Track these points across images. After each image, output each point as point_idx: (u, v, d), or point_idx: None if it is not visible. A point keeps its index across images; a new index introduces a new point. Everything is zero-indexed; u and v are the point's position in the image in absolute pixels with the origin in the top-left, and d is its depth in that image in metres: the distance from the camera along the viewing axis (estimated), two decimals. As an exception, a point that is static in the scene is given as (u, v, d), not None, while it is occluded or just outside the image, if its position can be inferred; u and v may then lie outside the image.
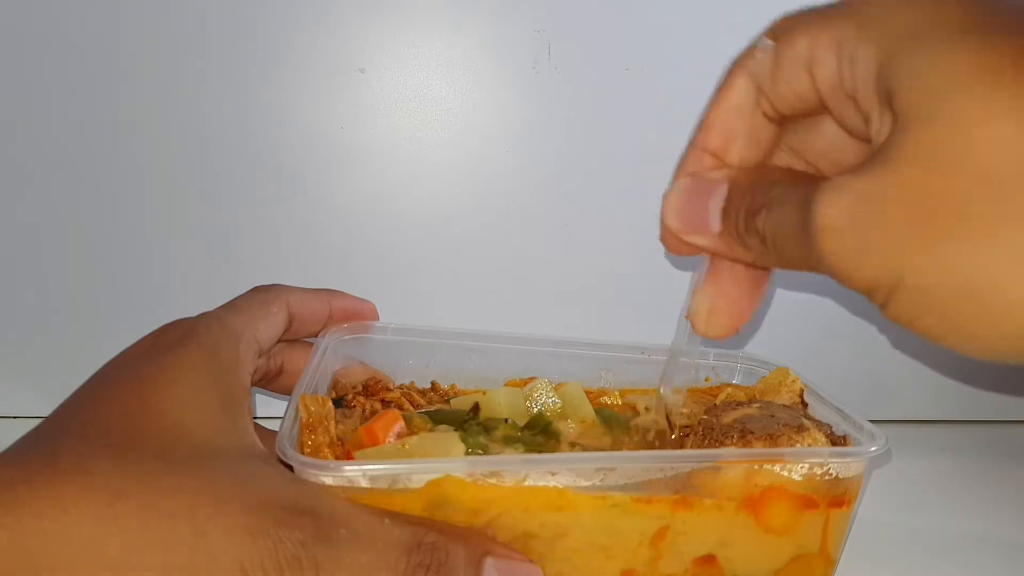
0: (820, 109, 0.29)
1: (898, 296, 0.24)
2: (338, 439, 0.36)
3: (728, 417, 0.39)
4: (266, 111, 0.52)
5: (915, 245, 0.23)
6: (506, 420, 0.39)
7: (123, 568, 0.26)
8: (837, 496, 0.36)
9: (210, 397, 0.32)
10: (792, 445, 0.36)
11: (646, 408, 0.44)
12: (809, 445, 0.36)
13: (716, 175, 0.31)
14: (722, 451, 0.36)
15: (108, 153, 0.51)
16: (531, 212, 0.54)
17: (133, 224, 0.53)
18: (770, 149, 0.32)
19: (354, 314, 0.43)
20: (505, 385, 0.45)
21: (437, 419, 0.40)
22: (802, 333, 0.57)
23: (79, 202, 0.52)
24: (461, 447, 0.35)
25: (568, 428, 0.40)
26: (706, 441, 0.37)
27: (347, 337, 0.43)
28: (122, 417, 0.30)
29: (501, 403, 0.41)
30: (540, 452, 0.38)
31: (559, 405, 0.42)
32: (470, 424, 0.38)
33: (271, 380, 0.42)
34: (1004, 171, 0.22)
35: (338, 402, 0.41)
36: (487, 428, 0.38)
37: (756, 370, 0.47)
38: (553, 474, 0.33)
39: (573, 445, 0.39)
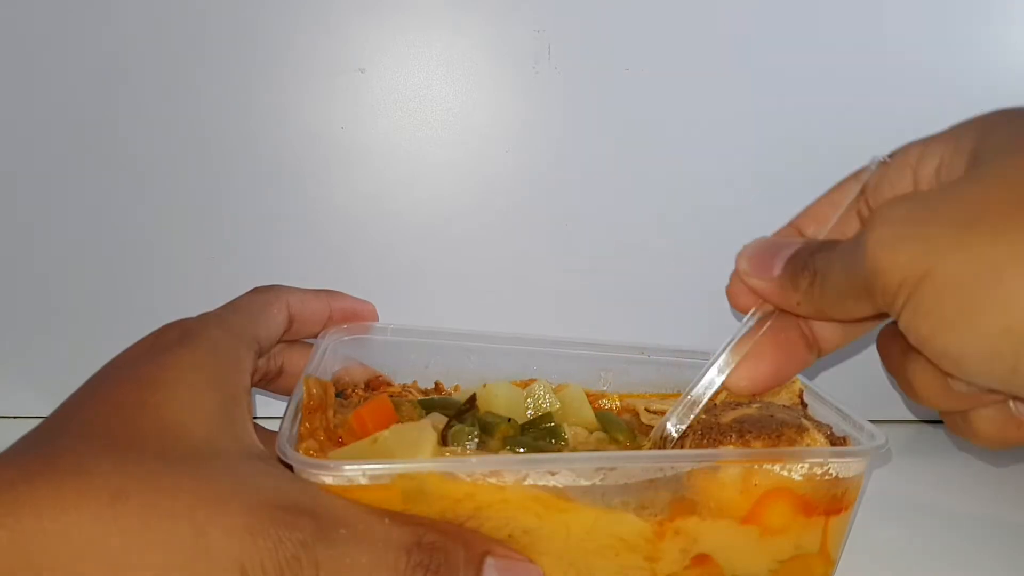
0: None
1: (923, 288, 0.25)
2: (333, 427, 0.36)
3: (727, 417, 0.39)
4: (266, 111, 0.52)
5: (952, 241, 0.25)
6: (508, 420, 0.39)
7: (123, 568, 0.26)
8: (837, 496, 0.36)
9: (210, 397, 0.32)
10: (792, 445, 0.36)
11: (646, 408, 0.44)
12: (808, 445, 0.36)
13: (795, 239, 0.33)
14: (721, 451, 0.36)
15: (108, 153, 0.51)
16: (531, 212, 0.54)
17: (133, 224, 0.53)
18: None
19: (354, 315, 0.43)
20: (505, 386, 0.45)
21: (429, 407, 0.39)
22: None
23: (79, 202, 0.52)
24: (433, 439, 0.34)
25: (570, 432, 0.40)
26: (705, 441, 0.37)
27: (347, 338, 0.43)
28: (122, 417, 0.30)
29: (499, 395, 0.41)
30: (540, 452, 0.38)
31: (559, 407, 0.42)
32: (465, 416, 0.38)
33: (271, 381, 0.42)
34: None
35: (339, 395, 0.41)
36: (484, 425, 0.38)
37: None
38: (553, 474, 0.33)
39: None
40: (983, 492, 0.50)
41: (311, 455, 0.33)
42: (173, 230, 0.53)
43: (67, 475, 0.27)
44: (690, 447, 0.37)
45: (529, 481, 0.33)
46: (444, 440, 0.36)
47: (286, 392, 0.42)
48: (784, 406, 0.42)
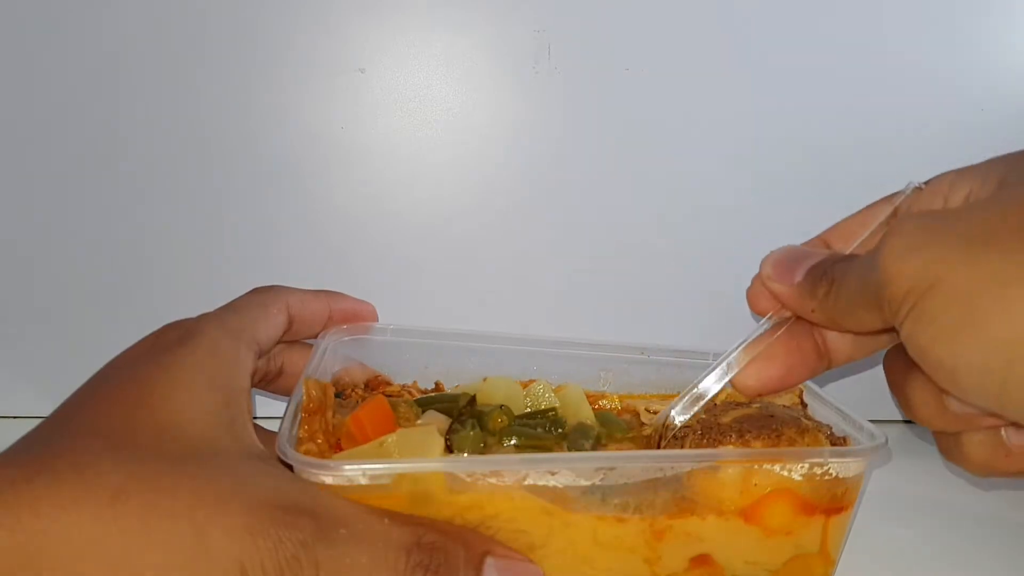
0: None
1: (929, 296, 0.25)
2: (332, 428, 0.36)
3: (727, 417, 0.39)
4: (266, 111, 0.52)
5: (963, 254, 0.25)
6: (500, 407, 0.39)
7: (123, 567, 0.26)
8: (837, 496, 0.36)
9: (210, 398, 0.32)
10: (792, 445, 0.36)
11: (646, 409, 0.44)
12: (808, 445, 0.36)
13: (821, 251, 0.34)
14: (721, 451, 0.36)
15: (108, 153, 0.51)
16: (531, 212, 0.54)
17: (133, 224, 0.53)
18: None
19: (354, 315, 0.43)
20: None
21: (426, 405, 0.39)
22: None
23: (79, 202, 0.52)
24: (440, 444, 0.34)
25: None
26: (705, 441, 0.37)
27: (347, 338, 0.43)
28: (122, 417, 0.30)
29: (499, 389, 0.41)
30: (539, 443, 0.38)
31: (558, 407, 0.42)
32: (465, 418, 0.38)
33: (271, 381, 0.42)
34: None
35: (339, 395, 0.41)
36: (480, 418, 0.38)
37: (756, 370, 0.47)
38: (553, 474, 0.33)
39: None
40: (983, 492, 0.50)
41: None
42: (173, 230, 0.53)
43: (67, 475, 0.27)
44: (690, 447, 0.37)
45: (529, 481, 0.33)
46: (449, 448, 0.36)
47: (286, 392, 0.42)
48: (784, 406, 0.42)
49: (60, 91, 0.50)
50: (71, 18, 0.49)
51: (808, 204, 0.55)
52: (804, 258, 0.33)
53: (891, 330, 0.32)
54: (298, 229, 0.54)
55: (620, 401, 0.46)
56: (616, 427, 0.41)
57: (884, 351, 0.35)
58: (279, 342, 0.40)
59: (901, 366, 0.31)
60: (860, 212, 0.36)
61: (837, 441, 0.38)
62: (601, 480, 0.33)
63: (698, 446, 0.37)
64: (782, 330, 0.35)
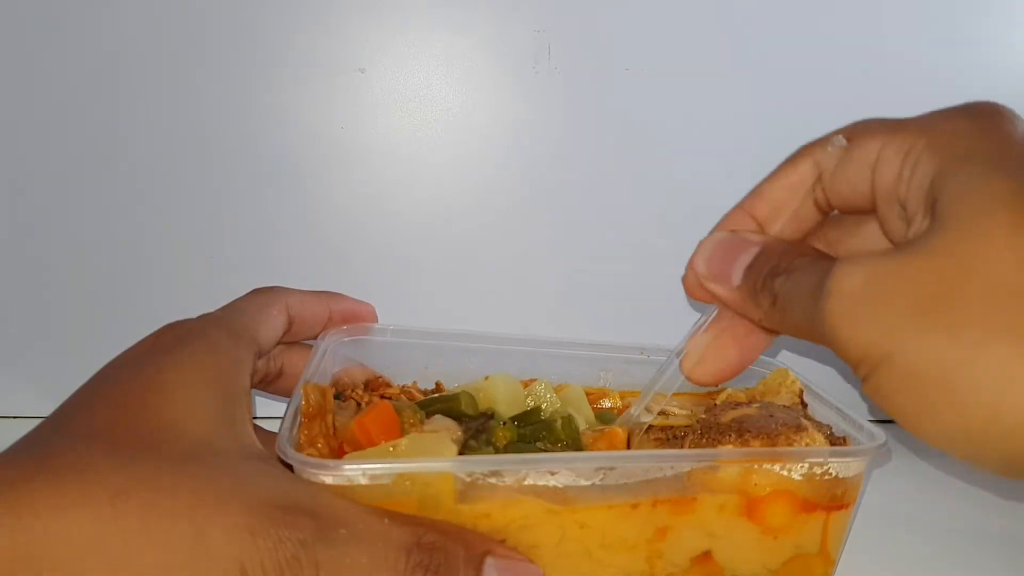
0: (867, 210, 0.32)
1: (882, 371, 0.25)
2: (333, 432, 0.36)
3: (727, 417, 0.39)
4: (266, 111, 0.52)
5: (911, 327, 0.24)
6: (503, 423, 0.39)
7: (123, 567, 0.26)
8: (837, 496, 0.36)
9: (210, 398, 0.32)
10: (791, 445, 0.36)
11: (646, 409, 0.44)
12: (808, 445, 0.36)
13: (753, 237, 0.32)
14: (721, 451, 0.36)
15: (108, 153, 0.51)
16: (531, 212, 0.54)
17: (133, 225, 0.53)
18: (808, 234, 0.34)
19: (353, 316, 0.43)
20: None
21: (427, 406, 0.39)
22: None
23: (79, 202, 0.52)
24: (453, 451, 0.34)
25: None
26: (704, 440, 0.37)
27: (346, 339, 0.43)
28: (122, 417, 0.30)
29: (499, 389, 0.41)
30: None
31: (559, 406, 0.42)
32: (478, 432, 0.38)
33: (271, 382, 0.42)
34: (1014, 284, 0.24)
35: (338, 396, 0.41)
36: (489, 438, 0.38)
37: (756, 371, 0.47)
38: (553, 474, 0.33)
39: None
40: (982, 491, 0.50)
41: None
42: (173, 230, 0.53)
43: (67, 475, 0.27)
44: (690, 447, 0.37)
45: (529, 481, 0.33)
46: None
47: (286, 393, 0.42)
48: (784, 406, 0.42)
49: (60, 91, 0.50)
50: (71, 18, 0.49)
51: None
52: (737, 252, 0.32)
53: None
54: (298, 229, 0.54)
55: (621, 399, 0.46)
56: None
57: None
58: (279, 343, 0.40)
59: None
60: (780, 172, 0.35)
61: (837, 441, 0.38)
62: (601, 480, 0.33)
63: (698, 446, 0.37)
64: (723, 313, 0.34)
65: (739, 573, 0.36)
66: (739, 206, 0.35)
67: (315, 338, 0.42)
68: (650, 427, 0.43)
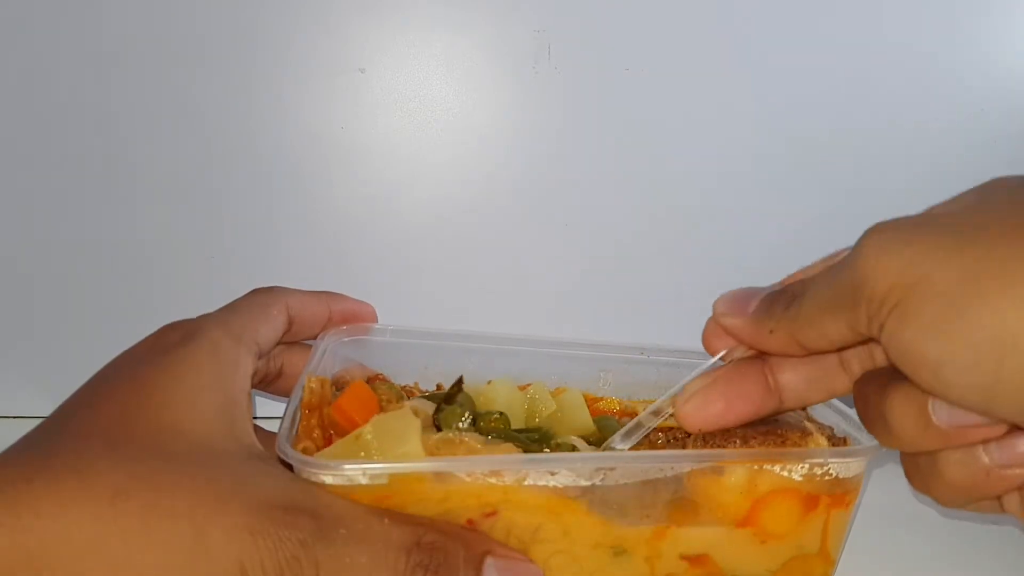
0: None
1: (913, 295, 0.25)
2: (328, 423, 0.36)
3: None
4: (266, 111, 0.52)
5: (951, 250, 0.25)
6: (500, 413, 0.39)
7: (123, 567, 0.26)
8: (837, 496, 0.36)
9: (210, 398, 0.32)
10: (796, 446, 0.36)
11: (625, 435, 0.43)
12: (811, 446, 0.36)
13: (775, 285, 0.33)
14: (723, 451, 0.36)
15: (108, 154, 0.51)
16: (531, 212, 0.54)
17: (133, 225, 0.53)
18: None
19: (353, 316, 0.43)
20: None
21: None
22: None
23: (79, 202, 0.52)
24: (418, 427, 0.34)
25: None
26: (707, 444, 0.37)
27: (346, 339, 0.43)
28: (122, 417, 0.30)
29: (499, 394, 0.41)
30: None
31: (555, 409, 0.42)
32: (454, 399, 0.37)
33: (271, 382, 0.42)
34: None
35: (338, 392, 0.41)
36: (475, 417, 0.38)
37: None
38: (553, 474, 0.33)
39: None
40: (983, 492, 0.50)
41: (309, 455, 0.33)
42: (173, 230, 0.53)
43: (67, 474, 0.27)
44: (692, 448, 0.37)
45: (529, 481, 0.33)
46: (436, 425, 0.36)
47: (285, 393, 0.42)
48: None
49: (60, 91, 0.50)
50: (71, 18, 0.49)
51: (808, 204, 0.55)
52: (758, 292, 0.33)
53: (852, 346, 0.31)
54: (298, 229, 0.54)
55: (619, 404, 0.46)
56: (613, 432, 0.40)
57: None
58: (279, 343, 0.40)
59: (876, 387, 0.30)
60: (824, 260, 0.35)
61: (837, 442, 0.38)
62: (601, 480, 0.33)
63: (700, 447, 0.37)
64: (728, 365, 0.35)
65: (739, 574, 0.36)
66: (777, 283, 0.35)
67: (315, 338, 0.42)
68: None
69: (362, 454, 0.32)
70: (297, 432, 0.34)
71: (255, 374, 0.37)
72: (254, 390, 0.38)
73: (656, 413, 0.36)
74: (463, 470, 0.32)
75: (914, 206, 0.30)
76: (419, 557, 0.30)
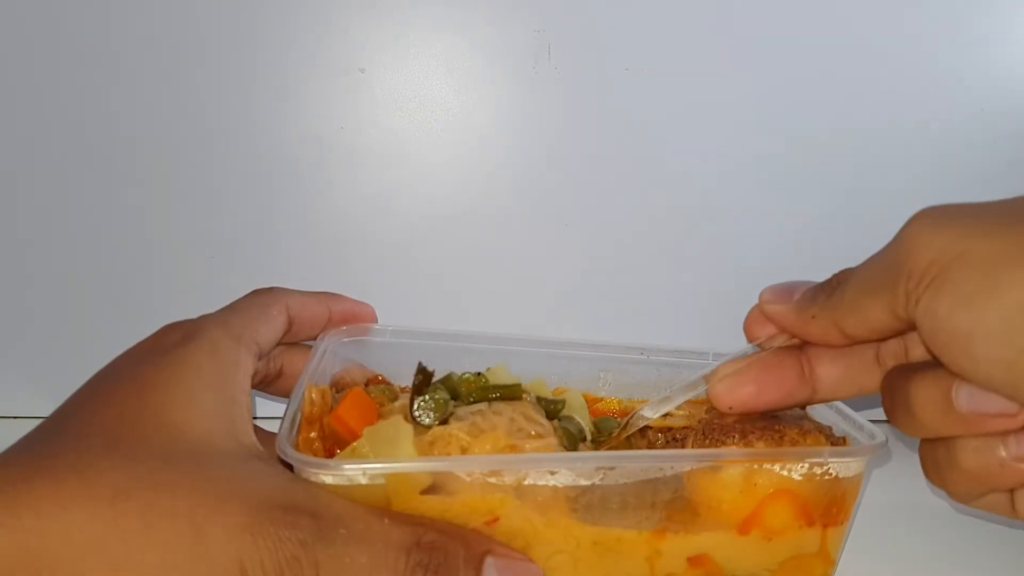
0: None
1: (952, 267, 0.26)
2: (329, 433, 0.36)
3: (729, 417, 0.39)
4: (266, 112, 0.52)
5: (990, 228, 0.26)
6: (477, 373, 0.38)
7: (123, 567, 0.26)
8: (837, 496, 0.36)
9: (210, 398, 0.32)
10: (795, 446, 0.36)
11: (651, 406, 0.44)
12: (809, 446, 0.36)
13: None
14: (722, 451, 0.36)
15: (108, 154, 0.51)
16: (531, 212, 0.54)
17: (134, 225, 0.53)
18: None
19: (353, 317, 0.43)
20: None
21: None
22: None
23: (80, 203, 0.52)
24: (410, 432, 0.34)
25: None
26: (707, 441, 0.37)
27: (346, 339, 0.43)
28: (122, 417, 0.30)
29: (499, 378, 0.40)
30: (508, 394, 0.38)
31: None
32: (424, 389, 0.37)
33: (271, 382, 0.42)
34: None
35: (338, 394, 0.41)
36: (452, 387, 0.37)
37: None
38: (553, 473, 0.33)
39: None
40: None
41: None
42: (173, 230, 0.53)
43: (67, 474, 0.27)
44: (692, 447, 0.37)
45: (529, 481, 0.33)
46: (414, 420, 0.36)
47: (285, 394, 0.42)
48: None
49: (61, 91, 0.50)
50: (71, 18, 0.49)
51: (807, 204, 0.55)
52: (804, 284, 0.34)
53: (893, 335, 0.31)
54: (298, 229, 0.54)
55: (619, 404, 0.46)
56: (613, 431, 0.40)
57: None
58: (279, 343, 0.40)
59: (904, 375, 0.30)
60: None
61: (837, 441, 0.38)
62: (601, 480, 0.33)
63: (700, 446, 0.37)
64: (767, 350, 0.35)
65: (738, 574, 0.36)
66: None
67: (315, 339, 0.42)
68: (649, 428, 0.43)
69: None
70: (298, 444, 0.34)
71: (255, 374, 0.37)
72: (254, 390, 0.38)
73: (689, 388, 0.37)
74: (463, 470, 0.32)
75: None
76: (419, 557, 0.30)
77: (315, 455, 0.34)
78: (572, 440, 0.38)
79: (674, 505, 0.34)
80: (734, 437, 0.36)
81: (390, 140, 0.53)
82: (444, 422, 0.35)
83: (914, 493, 0.50)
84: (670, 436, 0.42)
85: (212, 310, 0.38)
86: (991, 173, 0.56)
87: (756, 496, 0.34)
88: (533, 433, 0.35)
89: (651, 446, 0.42)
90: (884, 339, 0.33)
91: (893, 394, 0.31)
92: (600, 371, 0.47)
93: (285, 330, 0.40)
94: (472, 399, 0.37)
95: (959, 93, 0.54)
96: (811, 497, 0.35)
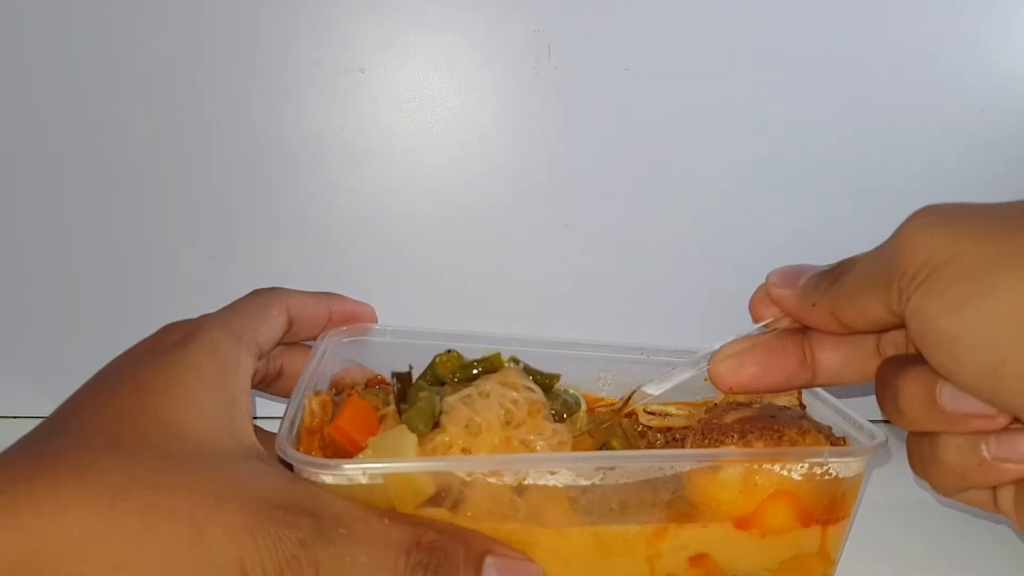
0: None
1: (943, 270, 0.26)
2: (329, 442, 0.36)
3: (729, 417, 0.39)
4: (266, 111, 0.52)
5: (985, 234, 0.26)
6: (449, 351, 0.38)
7: (123, 566, 0.26)
8: (837, 496, 0.36)
9: (210, 398, 0.32)
10: (793, 446, 0.36)
11: (645, 410, 0.44)
12: (809, 446, 0.36)
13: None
14: (722, 451, 0.36)
15: (109, 154, 0.51)
16: (531, 212, 0.54)
17: (134, 225, 0.53)
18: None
19: (353, 317, 0.43)
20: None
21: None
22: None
23: (80, 203, 0.52)
24: (414, 442, 0.34)
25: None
26: (706, 441, 0.37)
27: (346, 339, 0.43)
28: (122, 417, 0.30)
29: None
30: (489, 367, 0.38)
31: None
32: (408, 393, 0.37)
33: (271, 382, 0.42)
34: None
35: (338, 395, 0.41)
36: (435, 373, 0.37)
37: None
38: (553, 473, 0.33)
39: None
40: (983, 492, 0.50)
41: None
42: (173, 230, 0.53)
43: (67, 474, 0.27)
44: (691, 447, 0.37)
45: (529, 481, 0.33)
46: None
47: (285, 394, 0.42)
48: (784, 407, 0.42)
49: (61, 91, 0.50)
50: (71, 18, 0.49)
51: (807, 204, 0.55)
52: (811, 268, 0.34)
53: (888, 329, 0.32)
54: (298, 229, 0.54)
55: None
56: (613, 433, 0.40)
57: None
58: (279, 344, 0.40)
59: (894, 366, 0.31)
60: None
61: (837, 441, 0.38)
62: (601, 480, 0.33)
63: (699, 446, 0.37)
64: (770, 332, 0.35)
65: (738, 574, 0.36)
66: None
67: (315, 339, 0.42)
68: (649, 429, 0.43)
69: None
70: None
71: (255, 374, 0.37)
72: (254, 390, 0.38)
73: (691, 365, 0.37)
74: (463, 470, 0.32)
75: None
76: (419, 556, 0.30)
77: None
78: (566, 407, 0.38)
79: (674, 505, 0.34)
80: (733, 437, 0.36)
81: (390, 140, 0.53)
82: (437, 422, 0.35)
83: (914, 493, 0.50)
84: (670, 436, 0.42)
85: (212, 310, 0.38)
86: (991, 173, 0.56)
87: (756, 496, 0.34)
88: (526, 408, 0.35)
89: (651, 446, 0.42)
90: (883, 331, 0.33)
91: (883, 387, 0.31)
92: (600, 371, 0.47)
93: (285, 330, 0.40)
94: (456, 378, 0.37)
95: (959, 93, 0.54)
96: (811, 497, 0.35)
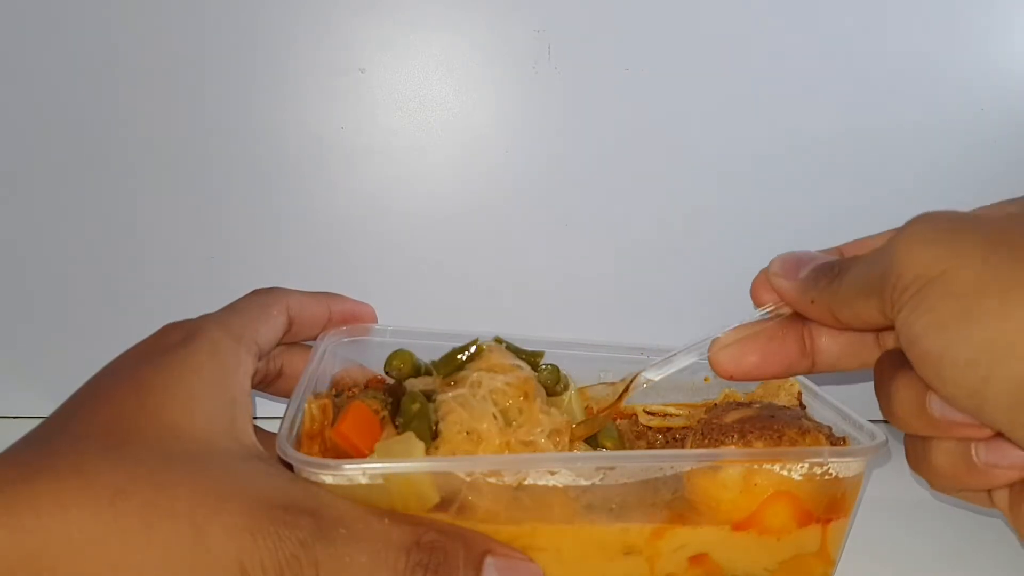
0: None
1: (932, 287, 0.26)
2: (330, 446, 0.36)
3: (729, 417, 0.39)
4: (266, 111, 0.52)
5: (976, 253, 0.26)
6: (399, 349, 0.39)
7: (123, 567, 0.26)
8: (837, 496, 0.36)
9: (210, 398, 0.32)
10: (794, 445, 0.36)
11: (644, 410, 0.44)
12: (809, 446, 0.36)
13: (831, 256, 0.34)
14: (722, 451, 0.36)
15: (109, 154, 0.51)
16: (531, 212, 0.54)
17: (134, 225, 0.53)
18: None
19: (353, 317, 0.43)
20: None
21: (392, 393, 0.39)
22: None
23: (80, 203, 0.52)
24: (422, 448, 0.34)
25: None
26: (706, 441, 0.37)
27: (346, 339, 0.43)
28: (122, 417, 0.30)
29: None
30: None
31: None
32: (402, 407, 0.37)
33: (270, 382, 0.42)
34: None
35: (338, 395, 0.41)
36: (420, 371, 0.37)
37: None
38: (553, 473, 0.33)
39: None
40: (983, 492, 0.50)
41: None
42: (174, 231, 0.53)
43: (67, 474, 0.27)
44: (691, 447, 0.37)
45: (529, 481, 0.33)
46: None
47: (285, 394, 0.42)
48: (784, 407, 0.42)
49: (61, 91, 0.50)
50: (71, 18, 0.49)
51: (807, 204, 0.55)
52: (812, 259, 0.34)
53: (883, 328, 0.32)
54: (298, 229, 0.54)
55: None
56: (606, 434, 0.40)
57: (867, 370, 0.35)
58: (279, 344, 0.40)
59: (890, 364, 0.31)
60: (882, 234, 0.36)
61: (837, 441, 0.38)
62: (601, 480, 0.33)
63: (699, 446, 0.37)
64: (771, 320, 0.35)
65: (738, 573, 0.36)
66: (834, 248, 0.36)
67: (315, 339, 0.42)
68: (649, 429, 0.43)
69: None
70: None
71: (255, 374, 0.37)
72: (254, 390, 0.38)
73: (692, 351, 0.37)
74: (463, 470, 0.32)
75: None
76: (419, 556, 0.30)
77: None
78: (552, 378, 0.39)
79: (674, 505, 0.34)
80: (733, 437, 0.36)
81: (390, 140, 0.53)
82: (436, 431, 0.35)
83: (914, 492, 0.50)
84: (670, 436, 0.42)
85: (212, 310, 0.38)
86: (991, 173, 0.56)
87: (756, 496, 0.34)
88: (520, 392, 0.35)
89: (651, 446, 0.42)
90: (879, 331, 0.33)
91: (879, 389, 0.32)
92: (600, 371, 0.46)
93: (285, 330, 0.40)
94: (444, 372, 0.37)
95: (959, 93, 0.54)
96: (811, 497, 0.35)
